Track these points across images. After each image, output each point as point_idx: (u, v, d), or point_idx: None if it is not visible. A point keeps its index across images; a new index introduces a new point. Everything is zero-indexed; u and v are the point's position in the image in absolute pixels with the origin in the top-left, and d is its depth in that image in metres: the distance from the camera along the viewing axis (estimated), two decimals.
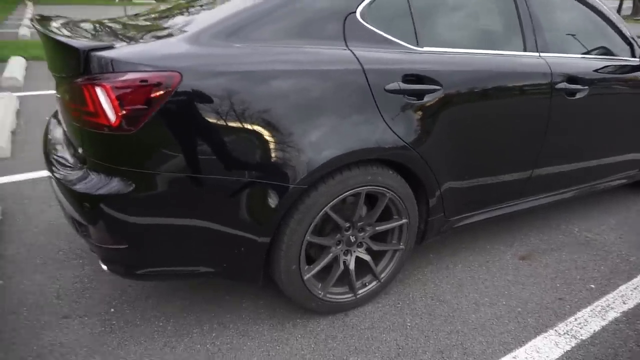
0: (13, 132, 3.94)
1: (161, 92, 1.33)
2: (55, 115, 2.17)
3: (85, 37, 1.61)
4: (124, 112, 1.32)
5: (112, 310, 1.87)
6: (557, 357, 1.73)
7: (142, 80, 1.31)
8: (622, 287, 2.17)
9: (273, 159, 1.48)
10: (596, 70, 2.31)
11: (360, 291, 1.90)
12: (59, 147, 1.83)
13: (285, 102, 1.47)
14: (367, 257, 1.89)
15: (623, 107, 2.55)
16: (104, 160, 1.43)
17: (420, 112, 1.73)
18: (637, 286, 2.18)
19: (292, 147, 1.49)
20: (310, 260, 1.79)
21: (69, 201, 1.53)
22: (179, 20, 1.79)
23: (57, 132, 1.96)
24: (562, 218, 2.83)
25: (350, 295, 1.89)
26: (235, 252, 1.59)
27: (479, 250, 2.44)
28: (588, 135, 2.43)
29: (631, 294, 2.12)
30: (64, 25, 1.78)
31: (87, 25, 1.84)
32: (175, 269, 1.62)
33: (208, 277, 1.67)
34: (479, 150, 2.00)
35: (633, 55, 2.57)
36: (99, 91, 1.31)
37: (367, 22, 1.67)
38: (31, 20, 1.84)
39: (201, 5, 1.90)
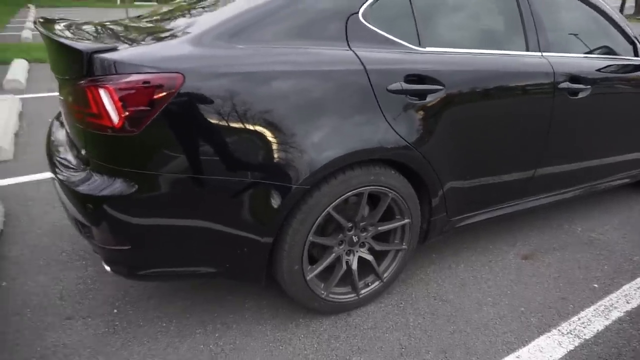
0: (16, 134, 3.96)
1: (164, 94, 1.33)
2: (58, 117, 2.18)
3: (88, 40, 1.62)
4: (127, 113, 1.33)
5: (115, 311, 1.88)
6: (560, 356, 1.72)
7: (145, 82, 1.32)
8: (626, 287, 2.16)
9: (276, 160, 1.49)
10: (599, 70, 2.30)
11: (362, 291, 1.90)
12: (61, 148, 1.83)
13: (288, 102, 1.48)
14: (369, 257, 1.89)
15: (626, 106, 2.54)
16: (107, 161, 1.43)
17: (422, 112, 1.73)
18: None
19: (294, 147, 1.49)
20: (313, 260, 1.79)
21: (72, 202, 1.54)
22: (181, 21, 1.79)
23: (60, 134, 1.97)
24: (564, 218, 2.82)
25: (352, 295, 1.89)
26: (238, 252, 1.59)
27: (482, 250, 2.43)
28: (591, 135, 2.42)
29: (635, 294, 2.11)
30: (67, 27, 1.79)
31: (90, 28, 1.84)
32: (178, 270, 1.62)
33: (211, 277, 1.67)
34: (481, 150, 1.99)
35: (636, 55, 2.57)
36: (102, 93, 1.32)
37: (369, 23, 1.68)
38: (34, 22, 1.85)
39: (203, 7, 1.91)
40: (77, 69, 1.37)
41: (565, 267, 2.31)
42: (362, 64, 1.60)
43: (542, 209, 2.47)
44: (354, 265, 1.85)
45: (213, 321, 1.84)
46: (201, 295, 1.98)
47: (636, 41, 2.57)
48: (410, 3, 1.78)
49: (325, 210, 1.63)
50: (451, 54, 1.84)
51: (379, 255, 1.93)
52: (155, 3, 22.13)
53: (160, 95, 1.33)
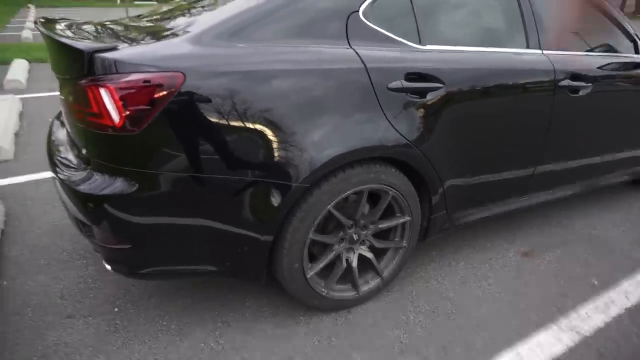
0: (16, 134, 3.96)
1: (164, 93, 1.34)
2: (58, 117, 2.18)
3: (89, 39, 1.62)
4: (128, 112, 1.33)
5: (116, 309, 1.88)
6: (560, 352, 1.73)
7: (146, 81, 1.32)
8: (625, 283, 2.17)
9: (276, 158, 1.49)
10: (599, 67, 2.30)
11: (363, 288, 1.91)
12: (62, 148, 1.84)
13: (288, 101, 1.48)
14: (369, 255, 1.89)
15: (626, 103, 2.55)
16: (108, 160, 1.44)
17: (423, 110, 1.73)
18: None
19: (295, 146, 1.49)
20: (313, 258, 1.79)
21: (73, 202, 1.54)
22: (181, 21, 1.80)
23: (61, 134, 1.97)
24: (563, 215, 2.83)
25: (353, 292, 1.89)
26: (239, 250, 1.60)
27: (481, 248, 2.44)
28: (591, 133, 2.43)
29: (634, 290, 2.12)
30: (68, 27, 1.79)
31: (90, 27, 1.85)
32: (179, 268, 1.63)
33: (211, 275, 1.68)
34: (481, 147, 2.00)
35: (636, 52, 2.57)
36: (102, 92, 1.32)
37: (369, 21, 1.68)
38: (35, 22, 1.85)
39: (203, 6, 1.91)
40: (78, 69, 1.37)
41: (565, 264, 2.31)
42: (363, 62, 1.60)
43: (541, 206, 2.48)
44: (354, 263, 1.86)
45: (214, 320, 1.85)
46: (202, 294, 1.99)
47: (637, 39, 2.58)
48: (411, 1, 1.78)
49: (326, 209, 1.63)
50: (452, 52, 1.84)
51: (379, 253, 1.94)
52: (155, 2, 22.11)
53: (161, 94, 1.33)
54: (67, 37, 1.54)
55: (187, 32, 1.50)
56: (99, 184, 1.44)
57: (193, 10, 1.91)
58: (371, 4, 1.68)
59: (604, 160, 2.60)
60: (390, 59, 1.67)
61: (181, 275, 1.75)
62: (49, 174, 1.90)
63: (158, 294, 1.98)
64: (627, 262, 2.34)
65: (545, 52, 2.12)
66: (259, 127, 1.45)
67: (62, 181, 1.60)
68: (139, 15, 2.20)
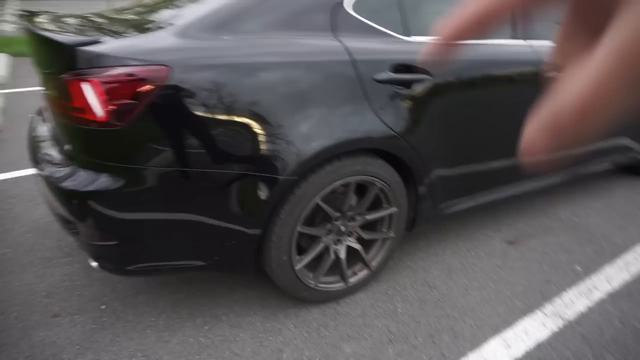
0: None
1: (149, 86, 1.32)
2: (40, 112, 2.14)
3: (71, 32, 1.59)
4: (112, 107, 1.31)
5: (103, 307, 1.87)
6: (545, 337, 1.77)
7: (130, 75, 1.30)
8: (607, 268, 2.22)
9: (263, 151, 1.48)
10: None
11: (351, 280, 1.92)
12: (45, 144, 1.80)
13: (274, 93, 1.47)
14: (357, 246, 1.90)
15: None
16: (92, 156, 1.41)
17: (409, 102, 1.74)
18: (621, 267, 2.23)
19: (281, 138, 1.49)
20: (301, 251, 1.80)
21: (57, 198, 1.52)
22: (165, 13, 1.77)
23: (43, 129, 1.93)
24: (547, 203, 2.88)
25: (341, 284, 1.90)
26: (227, 244, 1.59)
27: (468, 237, 2.47)
28: None
29: (615, 274, 2.17)
30: (49, 20, 1.75)
31: (73, 20, 1.80)
32: (166, 264, 1.61)
33: (200, 270, 1.67)
34: (467, 138, 2.02)
35: None
36: (86, 87, 1.30)
37: (355, 12, 1.67)
38: (17, 16, 1.81)
39: None
40: (60, 63, 1.35)
41: (549, 251, 2.36)
42: (349, 53, 1.60)
43: (526, 195, 2.51)
44: (342, 255, 1.87)
45: (202, 314, 1.84)
46: (190, 289, 1.98)
47: None
48: None
49: (313, 201, 1.64)
50: None
51: (367, 244, 1.95)
52: None
53: (146, 88, 1.31)
54: (49, 30, 1.51)
55: (172, 24, 1.48)
56: (83, 180, 1.42)
57: (177, 2, 1.88)
58: None
59: (589, 148, 2.65)
60: (376, 50, 1.67)
61: (169, 271, 1.74)
62: (31, 171, 1.86)
63: (146, 290, 1.97)
64: (609, 248, 2.40)
65: (530, 42, 2.14)
66: (245, 120, 1.44)
67: (45, 178, 1.57)
68: (122, 8, 2.15)
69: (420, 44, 1.80)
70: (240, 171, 1.48)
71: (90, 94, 1.30)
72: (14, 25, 10.42)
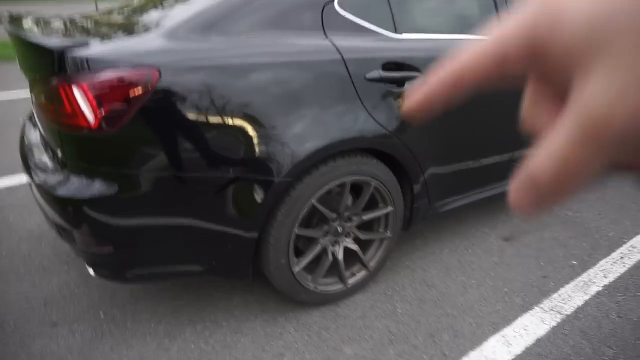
0: None
1: (140, 90, 1.30)
2: (30, 118, 2.12)
3: (58, 36, 1.57)
4: (103, 112, 1.30)
5: (102, 315, 1.85)
6: (544, 333, 1.78)
7: (120, 78, 1.29)
8: (603, 262, 2.24)
9: (257, 154, 1.48)
10: None
11: (349, 281, 1.92)
12: (36, 150, 1.78)
13: (266, 94, 1.46)
14: (355, 247, 1.90)
15: None
16: (85, 162, 1.40)
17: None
18: (617, 260, 2.24)
19: (275, 140, 1.49)
20: (299, 253, 1.79)
21: (51, 206, 1.50)
22: (153, 15, 1.76)
23: (34, 136, 1.91)
24: None
25: (340, 285, 1.90)
26: (224, 249, 1.59)
27: (464, 234, 2.48)
28: None
29: (611, 268, 2.18)
30: (35, 23, 1.73)
31: (59, 23, 1.79)
32: (164, 270, 1.61)
33: (198, 275, 1.66)
34: (461, 135, 2.02)
35: None
36: (75, 91, 1.28)
37: (345, 11, 1.67)
38: (1, 19, 1.79)
39: None
40: (48, 67, 1.33)
41: (545, 247, 2.37)
42: (340, 53, 1.60)
43: None
44: (340, 256, 1.86)
45: (202, 320, 1.84)
46: (189, 295, 1.97)
47: None
48: None
49: (309, 202, 1.63)
50: (428, 40, 1.85)
51: (364, 245, 1.95)
52: None
53: (136, 91, 1.30)
54: (35, 34, 1.49)
55: (161, 26, 1.47)
56: (77, 187, 1.41)
57: (165, 4, 1.88)
58: None
59: None
60: (367, 49, 1.67)
61: (167, 277, 1.73)
62: (24, 179, 1.85)
63: (144, 297, 1.96)
64: (604, 242, 2.41)
65: None
66: (238, 122, 1.43)
67: (38, 185, 1.55)
68: (109, 10, 2.14)
69: (410, 41, 1.80)
70: (235, 174, 1.48)
71: (80, 99, 1.29)
72: None
